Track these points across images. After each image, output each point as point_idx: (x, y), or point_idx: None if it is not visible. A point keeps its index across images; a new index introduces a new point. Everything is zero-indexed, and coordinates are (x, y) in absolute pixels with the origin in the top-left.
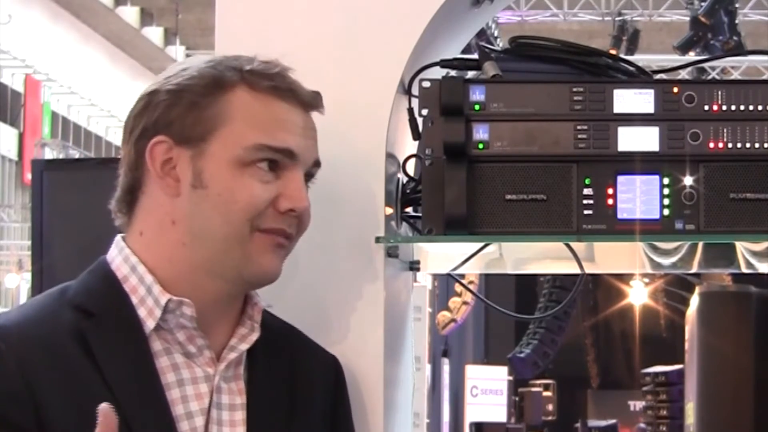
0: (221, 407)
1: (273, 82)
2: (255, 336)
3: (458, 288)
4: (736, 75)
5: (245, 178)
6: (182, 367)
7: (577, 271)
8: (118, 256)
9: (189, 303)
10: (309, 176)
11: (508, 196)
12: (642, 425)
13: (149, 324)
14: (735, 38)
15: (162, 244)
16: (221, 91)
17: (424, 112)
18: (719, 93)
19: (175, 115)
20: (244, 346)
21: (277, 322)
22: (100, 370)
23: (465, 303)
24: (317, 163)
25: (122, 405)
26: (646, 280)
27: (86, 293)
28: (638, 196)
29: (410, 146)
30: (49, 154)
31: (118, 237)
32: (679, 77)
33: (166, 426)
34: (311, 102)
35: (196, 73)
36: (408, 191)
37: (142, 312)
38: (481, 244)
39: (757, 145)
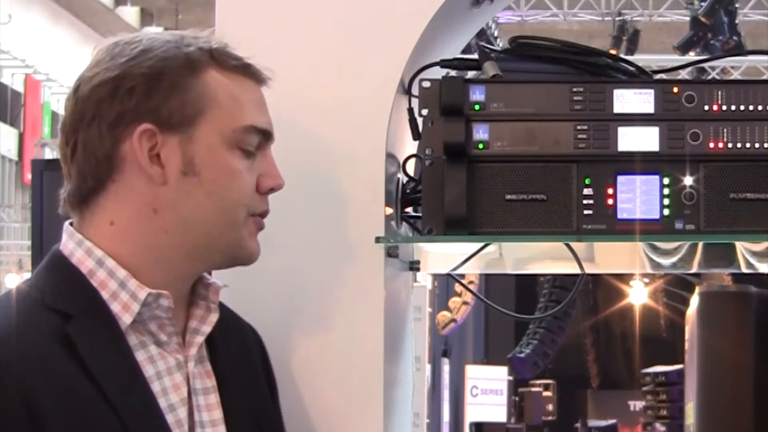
0: (197, 393)
1: (239, 62)
2: (215, 317)
3: (458, 288)
4: (736, 75)
5: (235, 161)
6: (157, 358)
7: (577, 271)
8: (78, 249)
9: (167, 295)
10: None
11: (508, 196)
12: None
13: (125, 319)
14: (735, 38)
15: (139, 233)
16: (195, 71)
17: (424, 112)
18: (719, 93)
19: (157, 100)
20: (207, 328)
21: None
22: (89, 371)
23: (465, 303)
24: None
25: (116, 405)
26: (646, 280)
27: (56, 294)
28: (638, 196)
29: (410, 146)
30: (49, 154)
31: (67, 225)
32: (679, 77)
33: (159, 420)
34: (264, 77)
35: (164, 54)
36: (408, 191)
37: (115, 307)
38: (481, 244)
39: (757, 145)
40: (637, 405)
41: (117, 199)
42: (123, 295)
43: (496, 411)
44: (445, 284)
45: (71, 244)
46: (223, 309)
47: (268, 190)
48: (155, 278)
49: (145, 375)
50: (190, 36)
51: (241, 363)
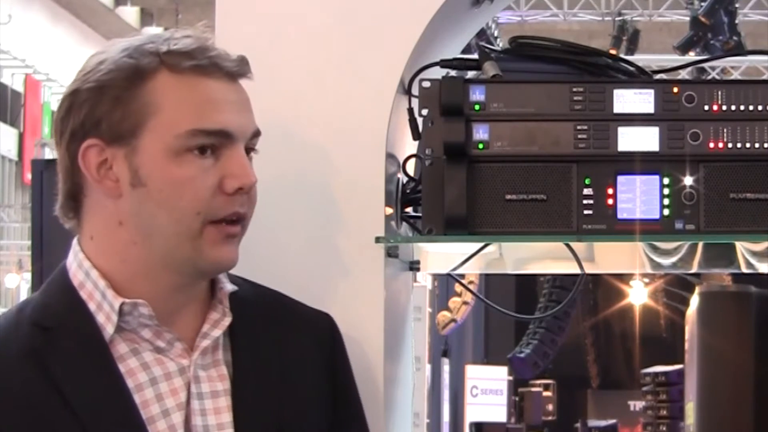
0: (203, 396)
1: (194, 60)
2: (227, 321)
3: (458, 288)
4: (736, 75)
5: (183, 168)
6: (153, 365)
7: (577, 271)
8: (74, 262)
9: (143, 303)
10: (250, 149)
11: (508, 196)
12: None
13: (109, 329)
14: (735, 38)
15: (113, 245)
16: (142, 80)
17: (424, 112)
18: (719, 93)
19: (100, 114)
20: (217, 332)
21: (259, 293)
22: (58, 387)
23: (465, 303)
24: (256, 134)
25: (83, 420)
26: (646, 280)
27: (44, 307)
28: (638, 196)
29: (410, 146)
30: (49, 154)
31: (75, 240)
32: (679, 77)
33: (134, 429)
34: (238, 72)
35: (113, 66)
36: (408, 191)
37: (100, 318)
38: (481, 244)
39: (757, 145)
40: (637, 405)
41: (90, 212)
42: (105, 306)
43: (496, 411)
44: (445, 284)
45: (71, 256)
46: (285, 305)
47: (234, 191)
48: (139, 289)
49: (136, 382)
50: (155, 39)
51: (276, 363)
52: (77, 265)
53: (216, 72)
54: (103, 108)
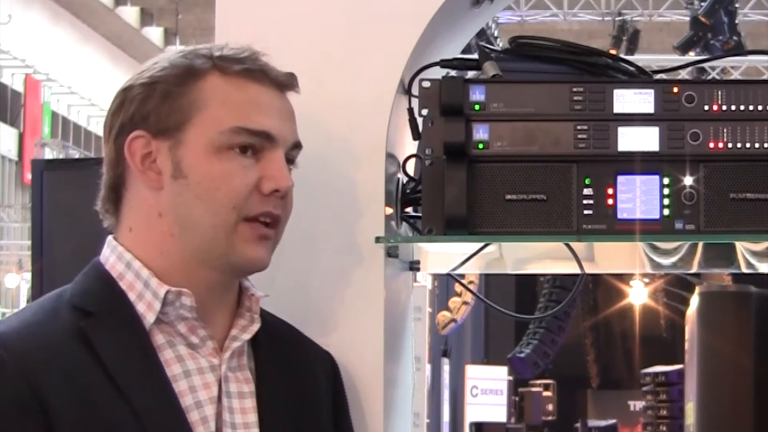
0: (230, 395)
1: (244, 65)
2: (256, 326)
3: (458, 288)
4: (736, 75)
5: (224, 163)
6: (187, 358)
7: (577, 271)
8: (112, 255)
9: (188, 293)
10: (290, 160)
11: (508, 196)
12: None
13: (149, 318)
14: (735, 38)
15: (152, 237)
16: (193, 79)
17: (424, 112)
18: (719, 93)
19: (150, 107)
20: (246, 336)
21: (272, 317)
22: (104, 365)
23: (465, 303)
24: (297, 145)
25: (130, 398)
26: (646, 280)
27: (83, 294)
28: (638, 196)
29: (410, 146)
30: (49, 154)
31: (110, 237)
32: (679, 77)
33: (176, 415)
34: (285, 82)
35: (167, 64)
36: (408, 191)
37: (141, 307)
38: (481, 244)
39: (757, 145)
40: (637, 405)
41: (130, 205)
42: (147, 295)
43: (496, 411)
44: (445, 284)
45: (107, 251)
46: (293, 333)
47: (270, 192)
48: (175, 283)
49: (171, 372)
50: (212, 46)
51: (293, 378)
52: (116, 257)
53: (264, 78)
54: (153, 102)
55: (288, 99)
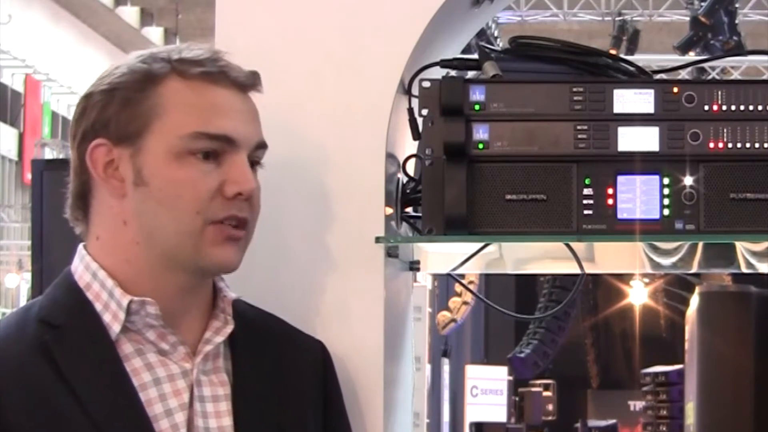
0: (204, 399)
1: (204, 68)
2: (229, 328)
3: (458, 288)
4: (736, 75)
5: (185, 169)
6: (156, 365)
7: (577, 271)
8: (80, 265)
9: (151, 302)
10: (255, 161)
11: (508, 196)
12: None
13: (115, 328)
14: (735, 38)
15: (118, 245)
16: (152, 84)
17: (424, 112)
18: (719, 93)
19: (110, 114)
20: (219, 339)
21: (255, 312)
22: (66, 380)
23: (465, 303)
24: (262, 146)
25: (91, 412)
26: (646, 280)
27: (50, 306)
28: (638, 196)
29: (410, 146)
30: (49, 154)
31: (80, 246)
32: (679, 77)
33: (141, 427)
34: (247, 83)
35: (127, 69)
36: (408, 191)
37: (107, 317)
38: (481, 244)
39: (757, 145)
40: (637, 405)
41: (96, 213)
42: (112, 305)
43: (496, 411)
44: (445, 284)
45: (77, 260)
46: (280, 325)
47: (234, 196)
48: (143, 290)
49: (140, 381)
50: (171, 49)
51: (274, 376)
52: (84, 267)
53: (224, 80)
54: (112, 109)
55: (251, 99)
